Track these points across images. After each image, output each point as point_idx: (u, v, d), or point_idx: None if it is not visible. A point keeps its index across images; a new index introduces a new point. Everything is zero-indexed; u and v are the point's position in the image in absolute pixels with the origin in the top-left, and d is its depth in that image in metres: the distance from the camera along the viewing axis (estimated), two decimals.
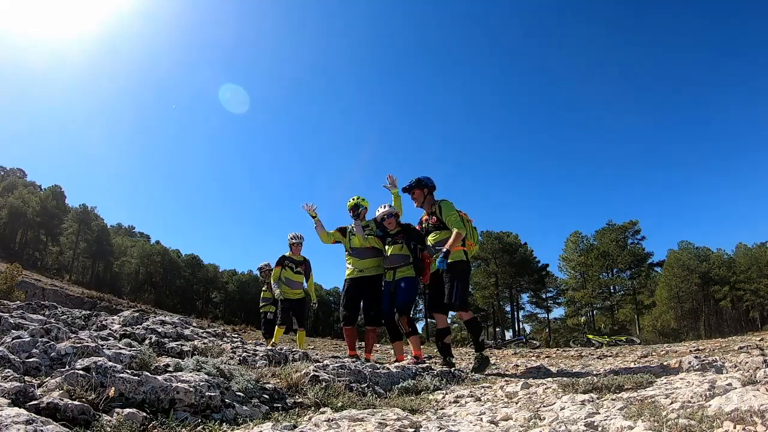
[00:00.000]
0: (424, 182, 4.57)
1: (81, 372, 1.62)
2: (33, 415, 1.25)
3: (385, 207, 4.94)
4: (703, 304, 39.45)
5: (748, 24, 66.52)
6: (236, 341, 5.05)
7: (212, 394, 1.76)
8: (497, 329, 40.44)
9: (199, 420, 1.63)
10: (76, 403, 1.44)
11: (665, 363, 3.65)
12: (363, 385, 2.48)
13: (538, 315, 45.20)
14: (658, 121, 77.43)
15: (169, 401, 1.66)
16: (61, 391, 1.52)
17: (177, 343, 3.67)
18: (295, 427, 1.59)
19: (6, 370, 1.70)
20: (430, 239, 4.53)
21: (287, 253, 7.20)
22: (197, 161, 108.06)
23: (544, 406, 1.93)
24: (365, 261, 4.91)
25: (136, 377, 1.68)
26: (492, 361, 5.51)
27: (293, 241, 7.17)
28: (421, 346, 5.00)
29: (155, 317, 5.39)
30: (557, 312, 44.93)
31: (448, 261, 4.10)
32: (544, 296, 44.87)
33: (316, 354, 6.30)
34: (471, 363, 4.72)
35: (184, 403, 1.68)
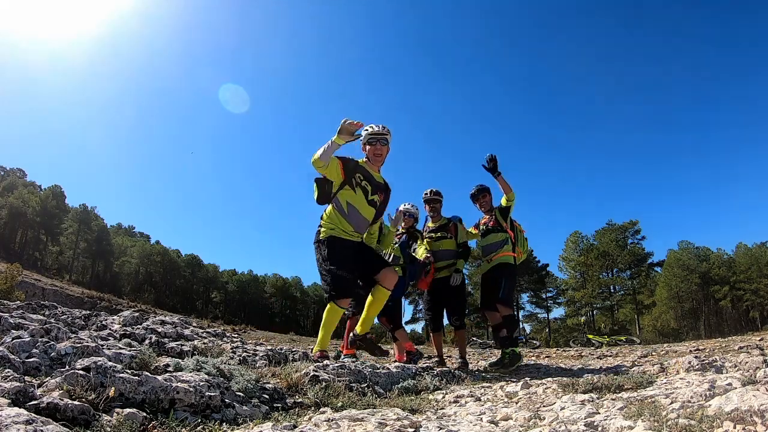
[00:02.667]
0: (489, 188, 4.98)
1: (81, 372, 1.62)
2: (33, 415, 1.25)
3: (411, 206, 5.03)
4: (703, 304, 39.47)
5: (751, 19, 66.57)
6: (236, 341, 5.06)
7: (212, 394, 1.76)
8: None
9: (199, 420, 1.63)
10: (76, 403, 1.44)
11: (665, 363, 3.65)
12: (363, 385, 2.48)
13: (538, 315, 45.25)
14: (658, 120, 77.51)
15: (169, 401, 1.66)
16: (61, 391, 1.52)
17: (177, 343, 3.68)
18: (295, 427, 1.59)
19: (6, 370, 1.70)
20: (488, 240, 4.91)
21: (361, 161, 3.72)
22: (197, 161, 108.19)
23: (544, 406, 1.93)
24: None
25: (136, 377, 1.68)
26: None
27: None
28: (421, 346, 5.03)
29: (155, 317, 5.40)
30: (557, 312, 44.98)
31: (495, 264, 4.71)
32: (544, 296, 44.88)
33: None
34: (484, 360, 4.86)
35: (184, 403, 1.68)
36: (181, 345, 3.55)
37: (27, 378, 1.74)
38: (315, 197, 3.68)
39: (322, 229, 3.56)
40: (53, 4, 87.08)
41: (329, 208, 3.62)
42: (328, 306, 3.44)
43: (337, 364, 2.70)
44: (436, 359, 4.81)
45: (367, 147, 3.66)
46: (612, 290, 41.31)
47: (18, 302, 5.40)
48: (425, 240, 5.02)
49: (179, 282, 59.53)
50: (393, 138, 3.74)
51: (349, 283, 3.48)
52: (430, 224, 5.07)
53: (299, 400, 2.13)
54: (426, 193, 5.05)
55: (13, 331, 2.79)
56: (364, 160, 3.71)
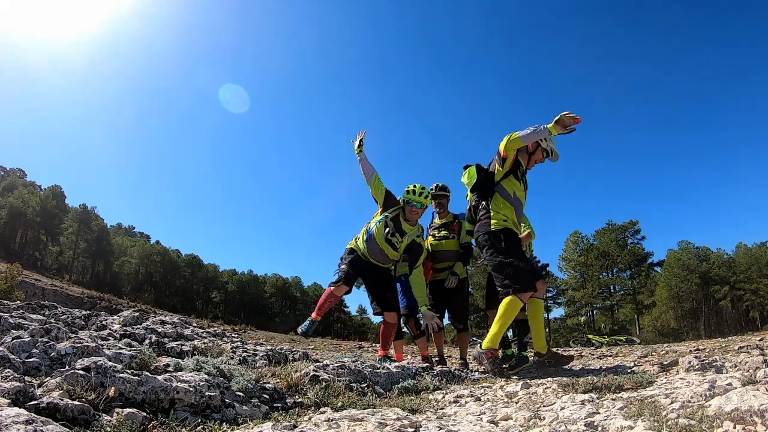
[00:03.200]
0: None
1: (81, 372, 1.62)
2: (33, 415, 1.25)
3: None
4: (703, 304, 39.49)
5: (751, 20, 66.63)
6: (236, 341, 5.06)
7: (212, 394, 1.76)
8: None
9: (199, 420, 1.63)
10: (76, 403, 1.44)
11: (665, 363, 3.65)
12: (363, 385, 2.48)
13: None
14: (658, 121, 77.56)
15: (169, 401, 1.66)
16: (61, 391, 1.52)
17: (177, 343, 3.67)
18: (295, 426, 1.59)
19: (6, 370, 1.70)
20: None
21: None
22: (197, 161, 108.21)
23: (544, 406, 1.93)
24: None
25: (136, 377, 1.68)
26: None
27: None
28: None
29: (155, 317, 5.40)
30: (557, 312, 45.02)
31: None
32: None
33: (316, 354, 6.31)
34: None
35: (184, 403, 1.68)
36: (181, 345, 3.55)
37: (27, 378, 1.74)
38: (470, 183, 3.69)
39: (493, 221, 3.50)
40: (53, 4, 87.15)
41: (496, 197, 3.58)
42: (509, 299, 3.34)
43: (337, 364, 2.70)
44: (436, 359, 4.79)
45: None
46: (612, 290, 41.33)
47: (18, 302, 5.40)
48: (429, 238, 4.83)
49: (179, 282, 59.52)
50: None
51: (532, 275, 3.46)
52: (437, 221, 4.89)
53: (299, 400, 2.13)
54: (431, 188, 4.75)
55: (13, 331, 2.79)
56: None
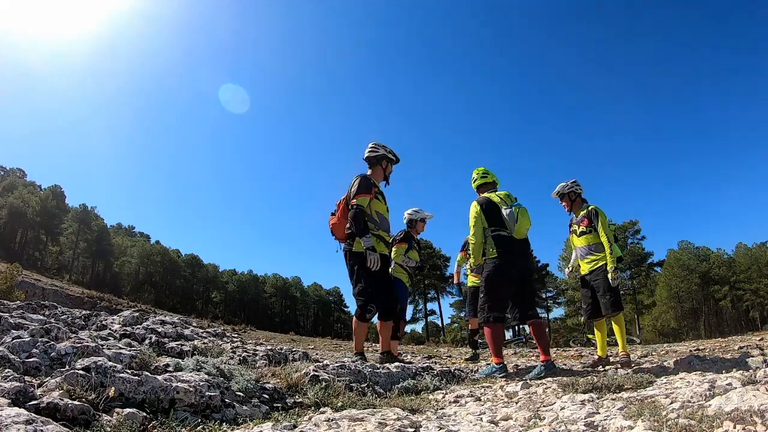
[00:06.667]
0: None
1: (81, 372, 1.62)
2: (33, 415, 1.25)
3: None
4: (703, 304, 39.48)
5: (750, 24, 66.70)
6: (236, 341, 5.06)
7: (212, 394, 1.76)
8: None
9: (199, 420, 1.63)
10: (76, 403, 1.44)
11: (665, 363, 3.65)
12: (363, 385, 2.48)
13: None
14: (658, 121, 77.61)
15: (169, 401, 1.66)
16: (61, 391, 1.52)
17: (177, 343, 3.67)
18: (295, 426, 1.59)
19: (6, 370, 1.70)
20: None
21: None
22: (197, 161, 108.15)
23: (544, 406, 1.93)
24: None
25: (136, 377, 1.68)
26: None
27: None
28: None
29: (155, 317, 5.40)
30: (557, 312, 44.94)
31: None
32: (543, 296, 44.82)
33: (316, 354, 6.30)
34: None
35: (184, 403, 1.68)
36: (181, 345, 3.55)
37: (27, 378, 1.74)
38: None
39: None
40: (53, 4, 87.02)
41: None
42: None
43: (337, 364, 2.70)
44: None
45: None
46: None
47: (18, 302, 5.40)
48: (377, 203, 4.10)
49: (179, 282, 59.46)
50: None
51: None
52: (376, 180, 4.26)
53: (299, 400, 2.13)
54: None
55: (13, 331, 2.79)
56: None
